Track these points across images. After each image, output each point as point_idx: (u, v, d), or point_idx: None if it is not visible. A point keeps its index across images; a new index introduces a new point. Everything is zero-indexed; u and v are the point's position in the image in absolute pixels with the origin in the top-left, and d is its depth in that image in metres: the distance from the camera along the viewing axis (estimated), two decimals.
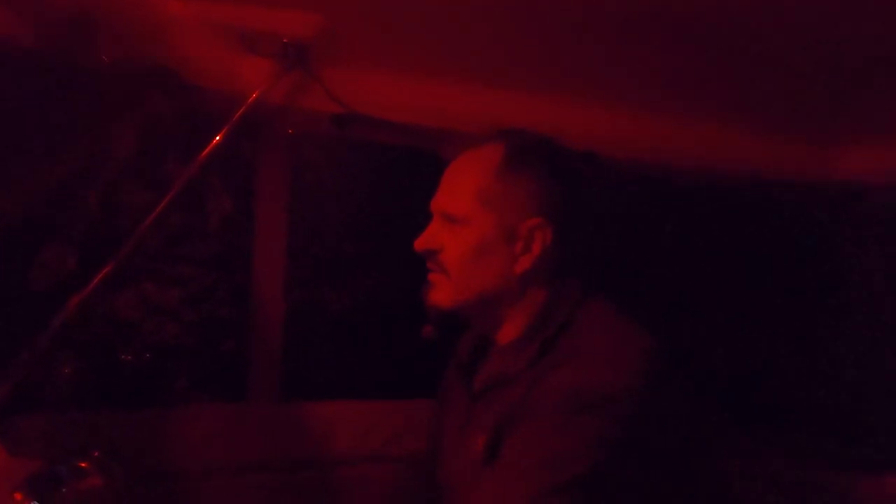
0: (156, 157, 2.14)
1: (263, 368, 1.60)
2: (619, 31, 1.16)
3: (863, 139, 1.62)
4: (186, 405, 2.24)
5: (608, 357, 0.93)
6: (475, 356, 1.15)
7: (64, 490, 0.98)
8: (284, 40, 1.30)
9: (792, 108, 1.50)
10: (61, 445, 1.20)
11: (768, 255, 2.29)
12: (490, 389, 1.05)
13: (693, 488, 0.99)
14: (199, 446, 1.48)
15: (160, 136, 2.07)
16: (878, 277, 1.70)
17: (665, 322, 1.02)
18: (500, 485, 0.88)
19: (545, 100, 1.50)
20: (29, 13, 1.16)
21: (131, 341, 2.53)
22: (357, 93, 1.43)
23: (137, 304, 2.54)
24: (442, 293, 1.06)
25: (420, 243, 1.07)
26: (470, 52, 1.34)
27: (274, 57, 1.34)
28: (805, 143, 1.69)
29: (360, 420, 1.63)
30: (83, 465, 1.01)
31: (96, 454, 1.03)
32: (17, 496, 0.94)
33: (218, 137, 1.35)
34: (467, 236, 1.02)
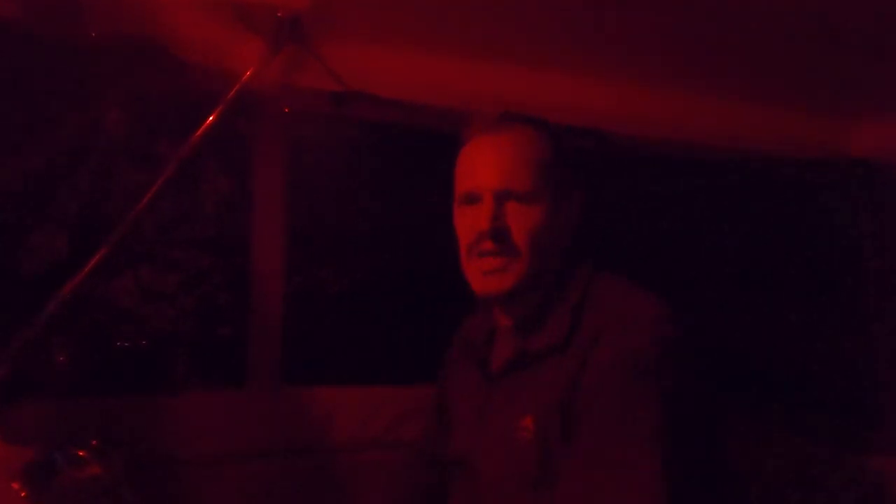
0: (148, 136, 2.10)
1: (263, 354, 1.58)
2: (628, 3, 1.12)
3: (878, 114, 1.59)
4: (185, 392, 2.23)
5: (647, 317, 0.95)
6: (489, 337, 1.15)
7: (62, 479, 0.97)
8: (278, 13, 1.27)
9: (805, 83, 1.48)
10: (59, 434, 1.18)
11: (780, 233, 2.27)
12: (515, 369, 1.05)
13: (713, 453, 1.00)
14: (198, 434, 1.47)
15: (152, 115, 2.03)
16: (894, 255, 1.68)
17: (673, 298, 1.00)
18: (614, 461, 0.87)
19: (551, 75, 1.47)
20: None
21: (128, 328, 2.51)
22: (356, 69, 1.40)
23: (133, 290, 2.52)
24: (512, 276, 1.01)
25: (491, 222, 1.00)
26: (473, 25, 1.31)
27: (268, 32, 1.31)
28: (818, 119, 1.66)
29: (361, 406, 1.62)
30: (81, 453, 1.00)
31: (94, 442, 1.02)
32: (15, 485, 0.93)
33: (212, 117, 1.31)
34: (536, 214, 1.01)
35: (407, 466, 1.35)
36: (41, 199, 2.12)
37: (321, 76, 1.37)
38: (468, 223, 1.04)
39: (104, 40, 1.20)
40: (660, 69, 1.45)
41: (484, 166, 1.03)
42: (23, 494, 0.93)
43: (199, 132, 1.31)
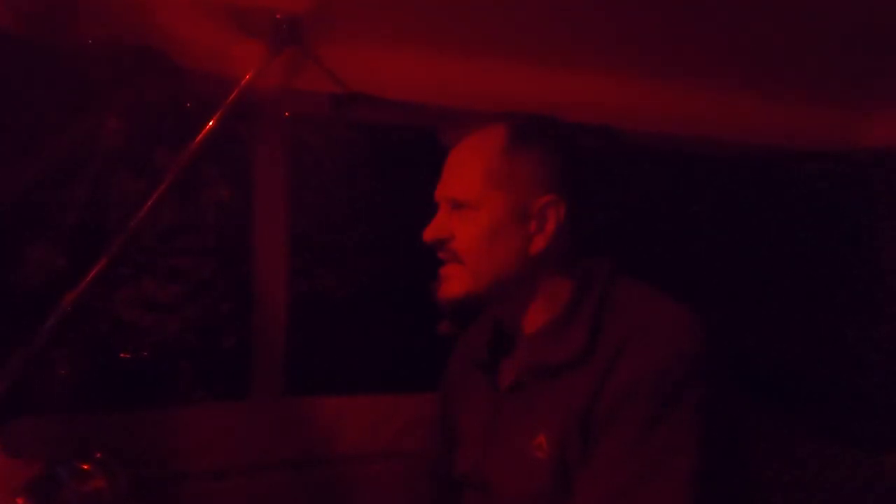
0: (147, 144, 2.08)
1: (266, 363, 1.56)
2: None
3: (890, 105, 1.57)
4: (189, 404, 2.21)
5: (673, 329, 0.93)
6: (495, 348, 1.11)
7: (65, 493, 0.96)
8: (277, 16, 1.25)
9: (815, 74, 1.46)
10: (62, 447, 1.17)
11: (793, 227, 2.24)
12: (528, 382, 1.01)
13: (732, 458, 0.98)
14: (203, 446, 1.45)
15: (150, 122, 2.01)
16: None
17: (687, 298, 0.98)
18: (633, 484, 0.86)
19: (555, 74, 1.45)
20: None
21: (131, 340, 2.49)
22: (356, 71, 1.38)
23: (135, 301, 2.50)
24: (457, 284, 1.02)
25: (430, 234, 1.03)
26: (474, 24, 1.29)
27: (266, 35, 1.29)
28: (830, 110, 1.64)
29: (368, 415, 1.60)
30: (85, 467, 0.99)
31: (98, 455, 1.01)
32: (19, 501, 0.92)
33: (212, 122, 1.30)
34: (479, 220, 1.00)
35: (414, 478, 1.33)
36: (40, 210, 2.11)
37: (321, 79, 1.36)
38: None
39: (101, 47, 1.19)
40: (668, 65, 1.42)
41: (443, 173, 1.05)
42: None
43: (198, 139, 1.30)
